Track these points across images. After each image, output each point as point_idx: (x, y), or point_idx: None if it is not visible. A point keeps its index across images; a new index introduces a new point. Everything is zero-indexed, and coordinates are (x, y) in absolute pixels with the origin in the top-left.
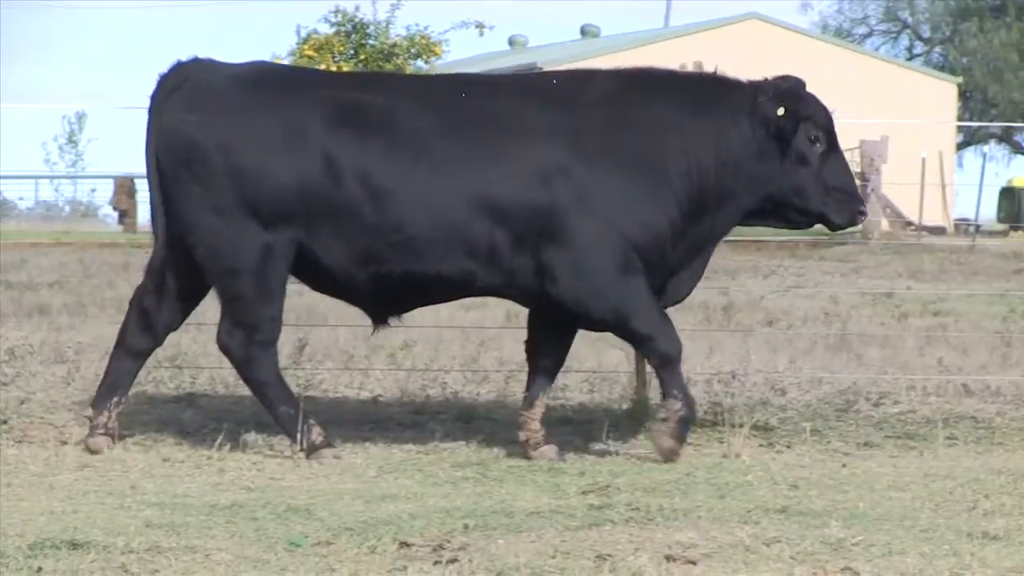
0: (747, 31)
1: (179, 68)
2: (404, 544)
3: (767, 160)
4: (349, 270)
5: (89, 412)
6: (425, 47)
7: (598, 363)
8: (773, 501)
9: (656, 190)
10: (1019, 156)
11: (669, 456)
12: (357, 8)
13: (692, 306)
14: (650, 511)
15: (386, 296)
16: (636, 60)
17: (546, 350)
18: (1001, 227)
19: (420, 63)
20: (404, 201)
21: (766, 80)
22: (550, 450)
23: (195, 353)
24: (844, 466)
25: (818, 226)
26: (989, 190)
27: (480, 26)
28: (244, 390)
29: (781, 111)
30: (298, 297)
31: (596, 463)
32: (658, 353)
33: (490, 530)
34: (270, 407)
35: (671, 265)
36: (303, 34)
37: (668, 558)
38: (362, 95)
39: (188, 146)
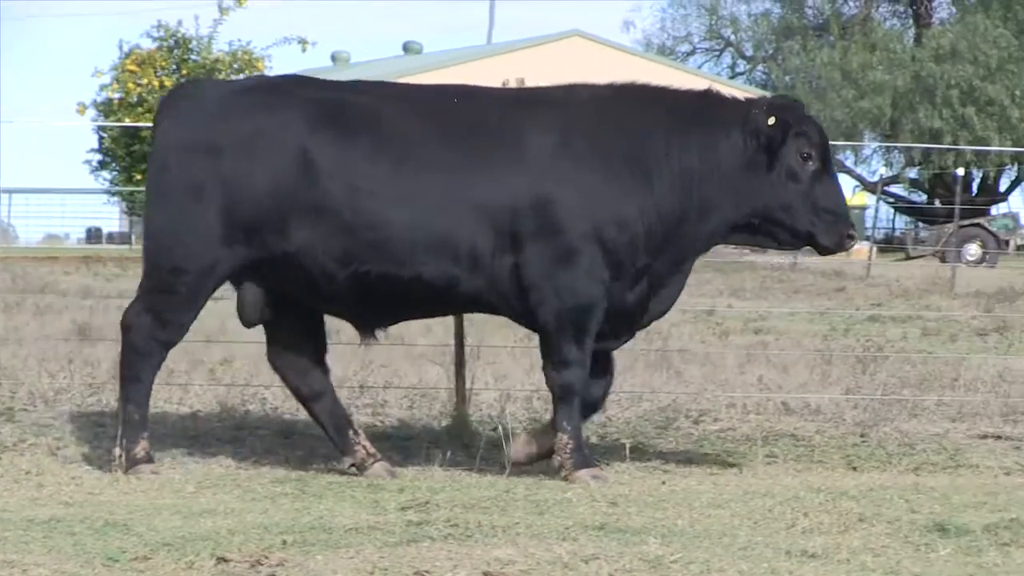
0: (570, 48)
1: (181, 87)
2: (222, 560)
3: (756, 173)
4: (330, 271)
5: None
6: (247, 63)
7: (419, 379)
8: (592, 518)
9: (636, 191)
10: (841, 175)
11: (584, 483)
12: (180, 23)
13: (513, 323)
14: (469, 527)
15: (369, 301)
16: (459, 77)
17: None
18: None
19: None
20: (384, 201)
21: (763, 97)
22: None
23: (14, 368)
24: (663, 483)
25: None
26: None
27: (303, 42)
28: (63, 405)
29: (771, 120)
30: (116, 312)
31: (415, 479)
32: (564, 382)
33: (308, 546)
34: (124, 400)
35: (648, 272)
36: (126, 49)
37: (486, 574)
38: (345, 98)
39: (169, 151)
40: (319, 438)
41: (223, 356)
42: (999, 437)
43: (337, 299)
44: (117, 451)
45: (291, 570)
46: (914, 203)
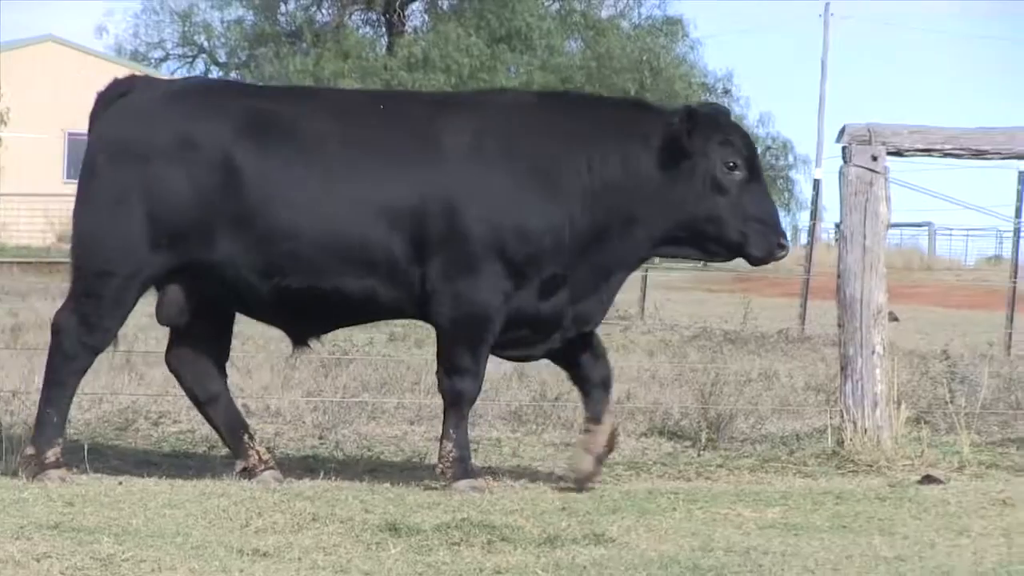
0: (44, 53)
1: (115, 84)
2: None
3: (680, 185)
4: (252, 283)
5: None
6: None
7: None
8: (47, 518)
9: (548, 201)
10: None
11: (470, 493)
12: None
13: None
14: None
15: (295, 313)
16: None
17: (588, 370)
18: None
19: None
20: (299, 211)
21: (686, 106)
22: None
23: None
24: (120, 483)
25: None
26: None
27: None
28: None
29: (687, 130)
30: None
31: None
32: (455, 390)
33: None
34: (43, 402)
35: (565, 283)
36: None
37: None
38: (271, 105)
39: (98, 152)
40: None
41: None
42: None
43: (263, 310)
44: (29, 450)
45: None
46: None
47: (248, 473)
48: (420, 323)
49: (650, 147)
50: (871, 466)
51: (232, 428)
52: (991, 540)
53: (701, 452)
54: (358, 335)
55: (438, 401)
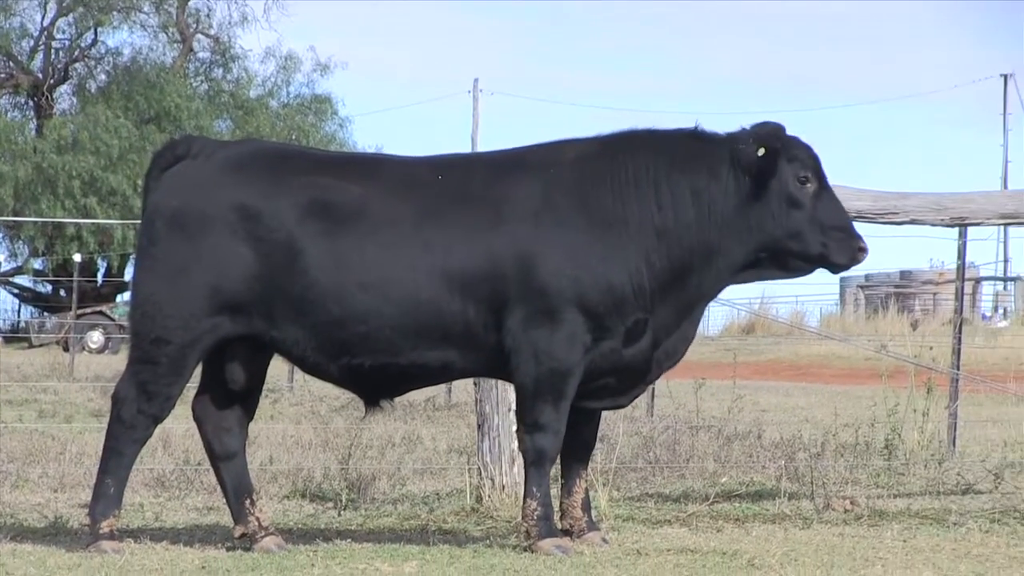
0: None
1: (171, 145)
2: None
3: (756, 208)
4: (318, 361)
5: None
6: None
7: None
8: None
9: (623, 248)
10: None
11: (549, 553)
12: None
13: None
14: None
15: (366, 385)
16: None
17: (576, 432)
18: None
19: None
20: (372, 293)
21: (743, 129)
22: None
23: None
24: None
25: None
26: None
27: None
28: None
29: (761, 151)
30: None
31: None
32: (537, 448)
33: None
34: (101, 471)
35: (649, 326)
36: None
37: None
38: (333, 181)
39: (157, 218)
40: None
41: None
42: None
43: (332, 380)
44: (88, 521)
45: None
46: (39, 293)
47: (248, 540)
48: (72, 400)
49: (718, 176)
50: (509, 522)
51: (238, 491)
52: None
53: (341, 512)
54: (7, 413)
55: (82, 469)
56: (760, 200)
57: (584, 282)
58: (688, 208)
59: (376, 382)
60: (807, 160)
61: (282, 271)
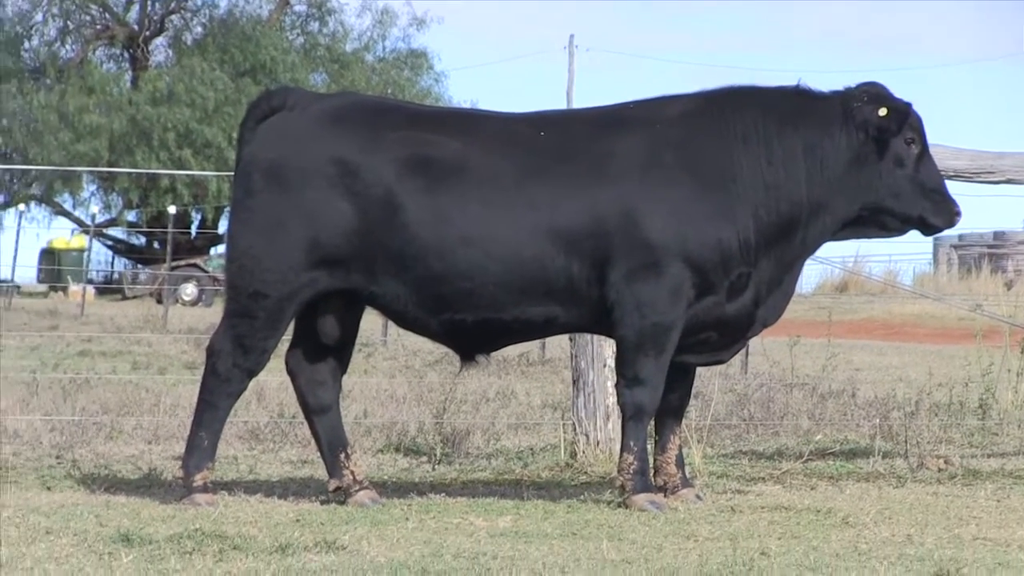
0: None
1: (267, 96)
2: None
3: (865, 166)
4: (418, 317)
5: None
6: None
7: None
8: None
9: (731, 204)
10: (60, 217)
11: (643, 508)
12: None
13: None
14: None
15: (466, 339)
16: None
17: (671, 388)
18: (42, 287)
19: None
20: (476, 249)
21: (850, 88)
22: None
23: None
24: None
25: None
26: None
27: None
28: None
29: (883, 112)
30: None
31: None
32: (635, 402)
33: None
34: (195, 425)
35: (752, 281)
36: None
37: None
38: (432, 136)
39: (253, 171)
40: None
41: None
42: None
43: (431, 335)
44: (182, 473)
45: None
46: (133, 245)
47: (342, 493)
48: (166, 352)
49: (831, 133)
50: (603, 477)
51: (332, 445)
52: (717, 544)
53: (436, 466)
54: (100, 364)
55: (176, 421)
56: (871, 159)
57: (690, 237)
58: (800, 164)
59: (477, 337)
60: (913, 121)
61: (381, 226)
